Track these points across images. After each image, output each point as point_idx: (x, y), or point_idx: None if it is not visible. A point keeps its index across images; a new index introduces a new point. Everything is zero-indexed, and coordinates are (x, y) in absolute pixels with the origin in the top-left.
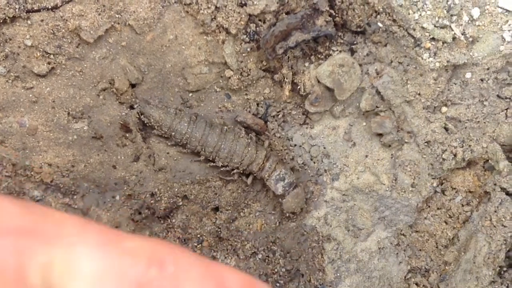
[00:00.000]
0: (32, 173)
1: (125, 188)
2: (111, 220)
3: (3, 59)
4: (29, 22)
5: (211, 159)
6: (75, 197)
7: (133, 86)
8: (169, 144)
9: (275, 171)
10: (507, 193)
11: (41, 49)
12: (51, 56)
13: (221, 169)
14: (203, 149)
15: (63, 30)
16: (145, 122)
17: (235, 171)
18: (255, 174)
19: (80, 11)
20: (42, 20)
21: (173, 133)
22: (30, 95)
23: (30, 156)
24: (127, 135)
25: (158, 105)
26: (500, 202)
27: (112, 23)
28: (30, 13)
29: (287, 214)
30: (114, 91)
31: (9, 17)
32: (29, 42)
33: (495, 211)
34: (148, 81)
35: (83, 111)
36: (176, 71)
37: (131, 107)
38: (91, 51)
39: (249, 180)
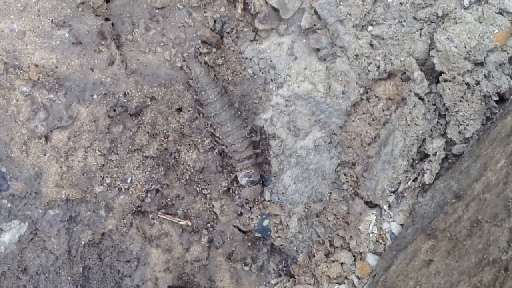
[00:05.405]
0: (21, 71)
1: (102, 88)
2: (89, 115)
3: None
4: None
5: (213, 128)
6: (58, 94)
7: (107, 1)
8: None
9: (248, 170)
10: (420, 98)
11: None
12: None
13: (212, 137)
14: (213, 117)
15: None
16: (186, 72)
17: (220, 147)
18: (231, 158)
19: None
20: None
21: (202, 92)
22: (19, 5)
23: (19, 57)
24: (103, 42)
25: (203, 64)
26: (414, 105)
27: None
28: None
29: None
30: (91, 4)
31: None
32: None
33: (410, 113)
34: None
35: (64, 20)
36: None
37: (107, 19)
38: None
39: (216, 150)
